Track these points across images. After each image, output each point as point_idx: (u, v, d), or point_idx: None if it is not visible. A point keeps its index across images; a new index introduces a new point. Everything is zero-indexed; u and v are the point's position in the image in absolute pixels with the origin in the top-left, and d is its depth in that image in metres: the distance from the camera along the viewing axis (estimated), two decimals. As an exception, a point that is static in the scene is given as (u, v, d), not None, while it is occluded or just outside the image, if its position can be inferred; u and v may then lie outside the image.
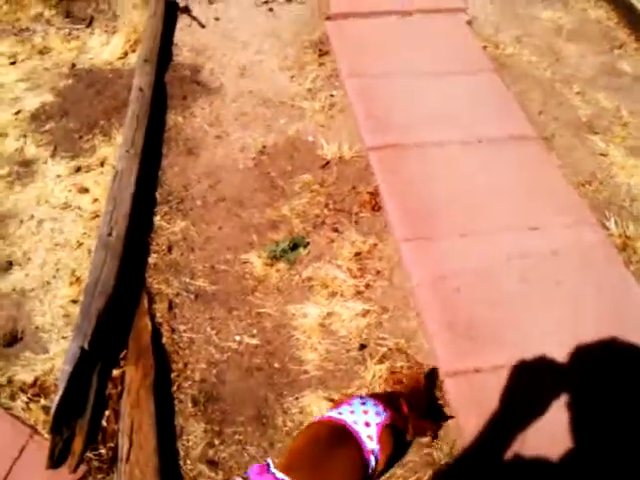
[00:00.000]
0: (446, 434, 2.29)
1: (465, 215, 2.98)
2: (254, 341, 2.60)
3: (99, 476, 2.18)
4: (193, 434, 2.31)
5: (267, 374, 2.49)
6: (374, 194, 3.15)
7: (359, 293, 2.75)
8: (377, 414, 2.04)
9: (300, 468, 1.87)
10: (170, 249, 2.94)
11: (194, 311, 2.70)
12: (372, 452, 1.97)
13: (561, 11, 4.69)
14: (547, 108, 3.76)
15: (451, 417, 2.29)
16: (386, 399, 2.14)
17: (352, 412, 2.04)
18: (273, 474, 1.80)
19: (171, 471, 2.18)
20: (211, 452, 2.26)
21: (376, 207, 3.10)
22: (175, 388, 2.44)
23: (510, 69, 4.06)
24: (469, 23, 4.39)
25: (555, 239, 2.88)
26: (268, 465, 1.84)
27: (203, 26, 4.42)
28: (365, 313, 2.68)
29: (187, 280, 2.81)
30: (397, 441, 2.08)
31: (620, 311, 2.64)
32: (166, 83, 3.87)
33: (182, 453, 2.25)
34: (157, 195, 3.20)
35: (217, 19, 4.49)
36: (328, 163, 3.33)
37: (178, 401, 2.40)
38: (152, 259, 2.89)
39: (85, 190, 3.23)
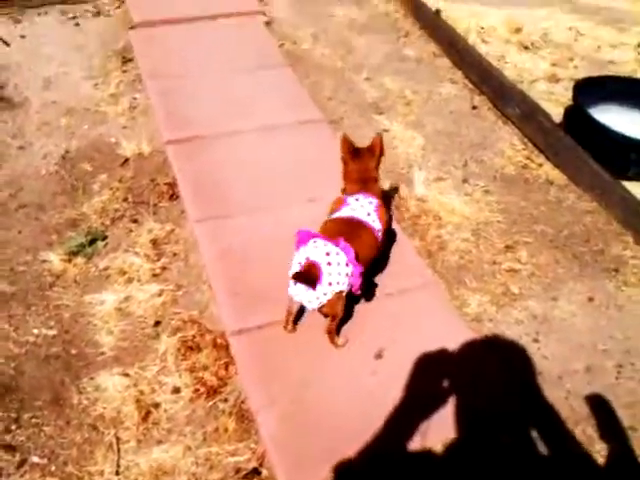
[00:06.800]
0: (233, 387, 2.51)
1: (252, 194, 3.23)
2: (52, 332, 2.70)
3: None
4: (-11, 425, 2.39)
5: (64, 360, 2.61)
6: (171, 184, 3.34)
7: (155, 276, 2.93)
8: (370, 203, 2.59)
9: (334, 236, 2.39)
10: (-33, 257, 2.99)
11: (-9, 313, 2.77)
12: (379, 231, 2.56)
13: (355, 7, 5.11)
14: (337, 94, 4.11)
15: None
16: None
17: (354, 209, 2.55)
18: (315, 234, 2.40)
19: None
20: (8, 437, 2.35)
21: (173, 196, 3.29)
22: (-29, 386, 2.51)
23: (305, 62, 4.39)
24: (268, 23, 4.70)
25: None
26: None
27: (8, 44, 4.45)
28: (161, 292, 2.85)
29: (-16, 285, 2.88)
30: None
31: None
32: (-33, 102, 3.89)
33: (-23, 443, 2.34)
34: (-45, 209, 3.24)
35: (23, 37, 4.53)
36: (127, 160, 3.49)
37: (-25, 398, 2.47)
38: (-53, 271, 2.94)
39: None
